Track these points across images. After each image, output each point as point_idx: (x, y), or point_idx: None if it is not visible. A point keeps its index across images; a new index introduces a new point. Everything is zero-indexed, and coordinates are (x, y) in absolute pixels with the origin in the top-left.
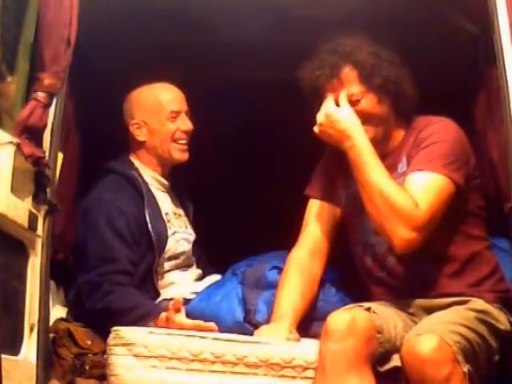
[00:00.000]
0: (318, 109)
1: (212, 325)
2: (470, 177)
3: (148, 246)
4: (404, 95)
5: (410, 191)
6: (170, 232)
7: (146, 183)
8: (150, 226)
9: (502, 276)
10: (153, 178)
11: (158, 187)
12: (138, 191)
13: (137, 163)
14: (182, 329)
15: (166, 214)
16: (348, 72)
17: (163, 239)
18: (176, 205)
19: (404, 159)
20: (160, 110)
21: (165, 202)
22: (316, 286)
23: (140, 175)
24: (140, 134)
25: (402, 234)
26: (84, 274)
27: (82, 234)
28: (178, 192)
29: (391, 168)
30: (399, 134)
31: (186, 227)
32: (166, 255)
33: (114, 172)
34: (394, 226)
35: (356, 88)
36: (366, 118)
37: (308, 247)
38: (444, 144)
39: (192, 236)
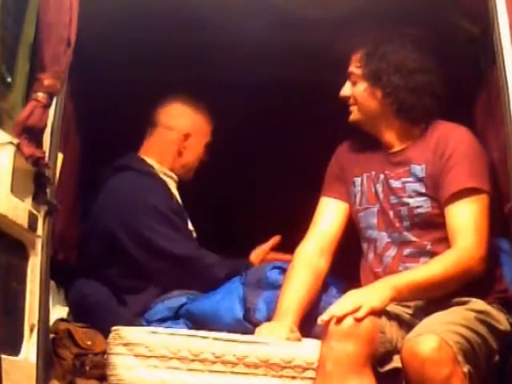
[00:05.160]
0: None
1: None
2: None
3: None
4: (403, 101)
5: (461, 215)
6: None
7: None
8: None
9: (501, 276)
10: (164, 174)
11: (170, 182)
12: (165, 187)
13: (149, 160)
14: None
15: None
16: (356, 55)
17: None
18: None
19: (423, 165)
20: (206, 136)
21: (178, 197)
22: (321, 282)
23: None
24: (181, 144)
25: (473, 264)
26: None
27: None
28: None
29: (401, 164)
30: (411, 131)
31: (189, 222)
32: None
33: (133, 169)
34: (466, 266)
35: (355, 69)
36: (354, 101)
37: (317, 243)
38: (472, 158)
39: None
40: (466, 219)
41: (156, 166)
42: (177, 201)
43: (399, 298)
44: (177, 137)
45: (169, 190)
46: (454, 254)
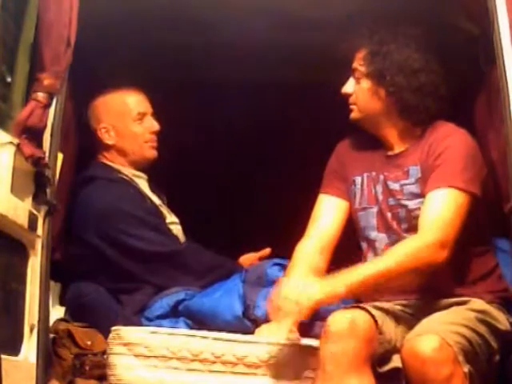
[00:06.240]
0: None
1: None
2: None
3: None
4: (406, 101)
5: (430, 209)
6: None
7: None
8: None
9: (501, 276)
10: (133, 175)
11: (140, 182)
12: (136, 189)
13: (113, 165)
14: None
15: (160, 205)
16: (361, 52)
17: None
18: (156, 195)
19: (418, 166)
20: (127, 113)
21: (150, 195)
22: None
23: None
24: (108, 138)
25: (432, 258)
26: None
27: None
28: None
29: (400, 166)
30: (412, 132)
31: (171, 215)
32: None
33: (101, 178)
34: (423, 259)
35: (359, 67)
36: (356, 99)
37: (316, 241)
38: (460, 158)
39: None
40: (433, 212)
41: (121, 168)
42: (150, 200)
43: (352, 295)
44: (102, 133)
45: (139, 191)
46: (408, 244)
